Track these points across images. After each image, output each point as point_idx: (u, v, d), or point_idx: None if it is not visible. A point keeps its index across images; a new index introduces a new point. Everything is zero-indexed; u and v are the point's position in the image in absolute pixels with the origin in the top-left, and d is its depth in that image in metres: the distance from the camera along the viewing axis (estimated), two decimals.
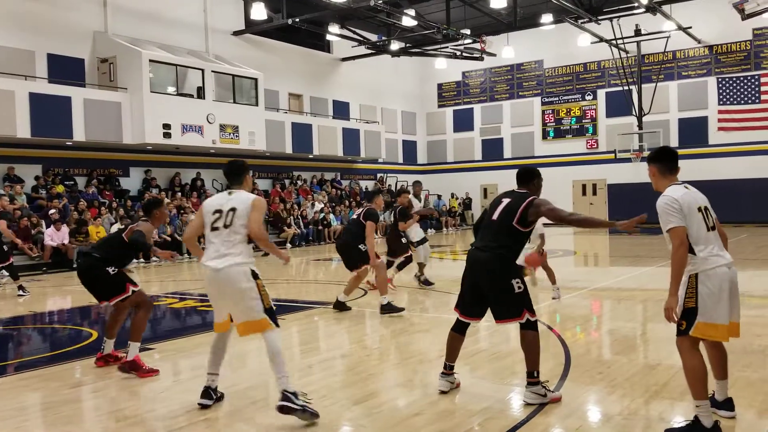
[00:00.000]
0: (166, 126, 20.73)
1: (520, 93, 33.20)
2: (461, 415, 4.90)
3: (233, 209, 5.07)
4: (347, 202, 27.09)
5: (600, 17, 25.71)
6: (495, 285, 5.15)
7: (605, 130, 30.63)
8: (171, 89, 21.45)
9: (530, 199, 5.23)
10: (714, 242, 4.30)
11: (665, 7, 25.05)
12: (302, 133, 26.72)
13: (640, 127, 28.31)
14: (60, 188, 19.38)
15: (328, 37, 28.11)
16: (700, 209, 4.32)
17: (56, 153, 20.16)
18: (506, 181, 32.81)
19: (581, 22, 26.15)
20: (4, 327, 9.28)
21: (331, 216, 25.14)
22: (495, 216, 5.25)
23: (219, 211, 5.12)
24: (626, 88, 28.36)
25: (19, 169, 19.10)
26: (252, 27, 25.80)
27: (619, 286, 11.59)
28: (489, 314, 5.31)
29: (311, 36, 27.92)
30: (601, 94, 31.01)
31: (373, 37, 29.06)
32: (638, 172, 28.90)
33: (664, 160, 4.52)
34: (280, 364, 4.89)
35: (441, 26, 25.60)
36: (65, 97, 19.08)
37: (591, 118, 31.20)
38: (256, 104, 23.90)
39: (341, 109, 30.64)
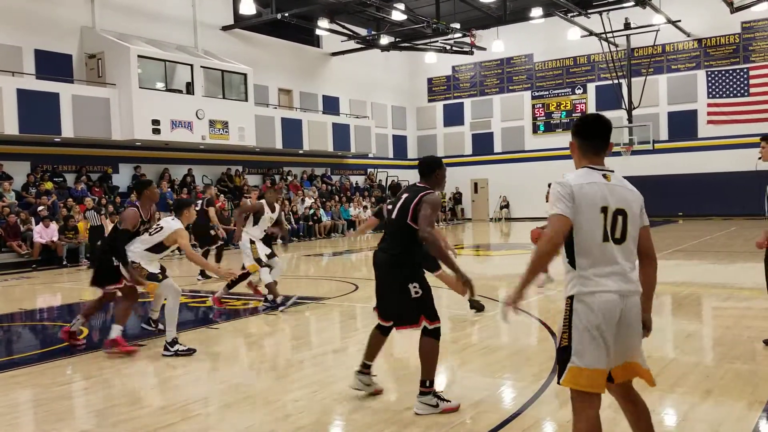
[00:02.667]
0: (155, 122, 20.63)
1: (510, 87, 33.23)
2: None
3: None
4: (337, 198, 27.06)
5: (590, 11, 25.78)
6: (392, 289, 4.93)
7: None
8: (160, 85, 21.34)
9: (421, 195, 4.87)
10: (608, 259, 3.12)
11: (655, 1, 25.13)
12: (292, 129, 26.66)
13: (629, 120, 28.41)
14: (49, 185, 19.26)
15: (318, 31, 28.03)
16: (604, 209, 3.12)
17: (45, 150, 20.03)
18: (497, 175, 32.98)
19: (571, 16, 26.20)
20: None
21: (321, 211, 25.12)
22: (393, 215, 4.94)
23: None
24: (616, 81, 28.44)
25: (7, 167, 18.96)
26: (241, 22, 25.69)
27: None
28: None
29: (300, 31, 27.83)
30: (591, 87, 31.08)
31: (363, 32, 29.01)
32: (628, 166, 28.97)
33: (590, 136, 3.28)
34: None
35: (431, 20, 25.58)
36: (53, 94, 18.96)
37: (581, 112, 31.25)
38: (246, 100, 23.82)
39: (331, 104, 30.58)
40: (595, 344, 3.09)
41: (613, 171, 3.25)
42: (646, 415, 3.42)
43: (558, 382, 3.21)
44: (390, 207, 5.04)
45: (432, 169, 5.11)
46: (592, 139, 3.27)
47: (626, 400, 3.44)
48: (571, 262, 3.17)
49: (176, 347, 6.75)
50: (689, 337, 7.17)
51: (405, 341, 7.44)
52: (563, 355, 3.16)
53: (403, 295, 4.86)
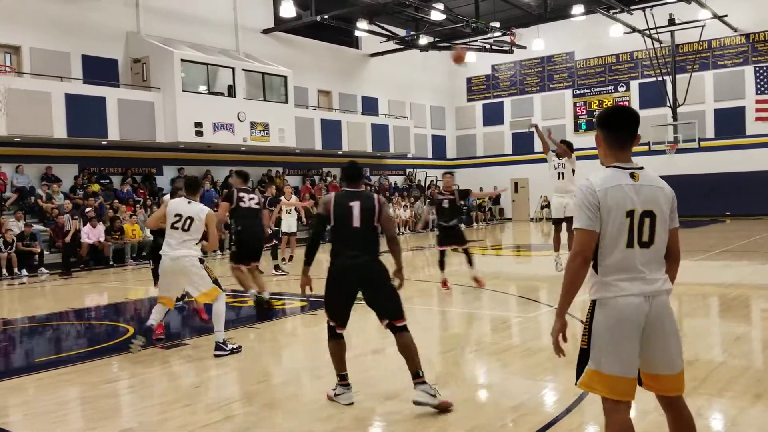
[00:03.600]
0: (198, 124, 20.95)
1: (550, 85, 32.86)
2: (494, 412, 4.87)
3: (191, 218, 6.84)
4: None
5: (632, 7, 25.34)
6: (382, 288, 5.17)
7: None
8: (202, 88, 21.66)
9: (378, 199, 5.26)
10: (632, 263, 3.02)
11: None
12: (331, 130, 26.79)
13: (674, 118, 27.83)
14: (96, 187, 19.71)
15: (357, 33, 28.11)
16: (630, 213, 3.00)
17: (92, 152, 20.49)
18: (537, 175, 32.61)
19: (613, 13, 25.78)
20: (44, 323, 9.47)
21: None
22: (356, 223, 5.13)
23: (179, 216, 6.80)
24: (660, 78, 27.89)
25: (56, 169, 19.47)
26: (281, 25, 25.92)
27: None
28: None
29: (340, 32, 27.95)
30: (634, 85, 30.54)
31: (402, 32, 29.00)
32: (673, 164, 28.43)
33: (616, 129, 3.15)
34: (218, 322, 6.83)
35: (470, 20, 25.44)
36: (100, 98, 19.40)
37: None
38: (286, 101, 24.02)
39: (370, 105, 30.64)
40: (614, 351, 3.00)
41: (642, 168, 3.10)
42: (690, 427, 3.20)
43: (576, 383, 3.18)
44: (339, 215, 5.17)
45: (361, 174, 5.45)
46: (618, 130, 3.13)
47: (668, 409, 3.26)
48: (594, 266, 3.08)
49: (230, 346, 6.82)
50: (738, 340, 6.98)
51: (454, 342, 7.40)
52: (582, 356, 3.12)
53: (393, 291, 5.18)
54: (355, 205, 5.17)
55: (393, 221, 5.39)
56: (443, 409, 4.82)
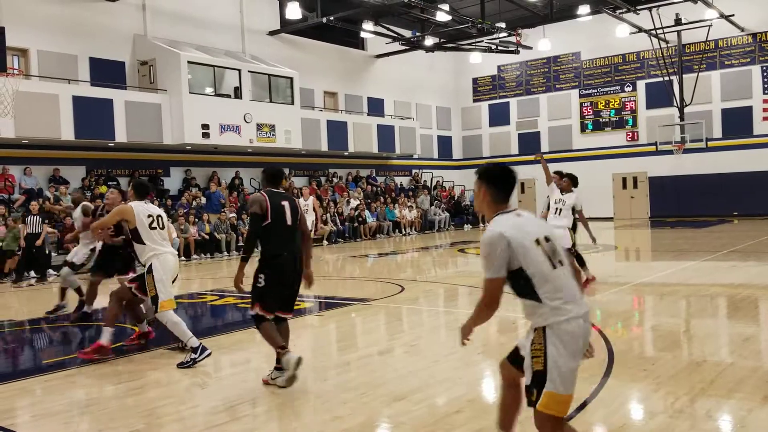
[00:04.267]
0: (205, 126, 21.00)
1: (557, 86, 32.79)
2: None
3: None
4: (382, 199, 27.11)
5: (639, 7, 25.25)
6: (299, 285, 5.72)
7: (645, 122, 30.07)
8: (209, 90, 21.71)
9: (298, 200, 6.06)
10: (565, 283, 3.28)
11: None
12: (337, 131, 26.81)
13: (681, 118, 27.72)
14: (103, 189, 19.74)
15: (363, 34, 28.11)
16: (538, 241, 3.30)
17: (99, 154, 20.56)
18: (543, 175, 32.50)
19: (619, 13, 25.71)
20: (51, 325, 9.50)
21: (367, 213, 25.18)
22: (290, 222, 5.62)
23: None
24: (667, 78, 27.80)
25: (64, 171, 19.55)
26: (287, 26, 25.96)
27: (662, 281, 11.37)
28: None
29: (346, 34, 27.97)
30: (641, 85, 30.44)
31: (408, 33, 28.99)
32: (680, 165, 28.36)
33: (502, 184, 3.56)
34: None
35: (475, 20, 25.41)
36: (107, 100, 19.46)
37: (631, 110, 30.68)
38: (292, 103, 24.05)
39: (376, 106, 30.65)
40: (571, 370, 3.24)
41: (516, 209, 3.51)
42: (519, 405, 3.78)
43: (530, 405, 3.32)
44: (276, 213, 5.57)
45: (283, 176, 6.00)
46: (507, 190, 3.56)
47: (516, 389, 3.77)
48: (535, 296, 3.27)
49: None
50: (747, 340, 6.94)
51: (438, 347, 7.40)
52: (538, 379, 3.25)
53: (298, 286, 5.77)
54: (286, 205, 5.64)
55: (306, 223, 5.96)
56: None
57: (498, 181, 3.57)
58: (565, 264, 3.34)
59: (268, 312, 5.56)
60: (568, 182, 10.60)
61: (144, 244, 6.66)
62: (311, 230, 15.01)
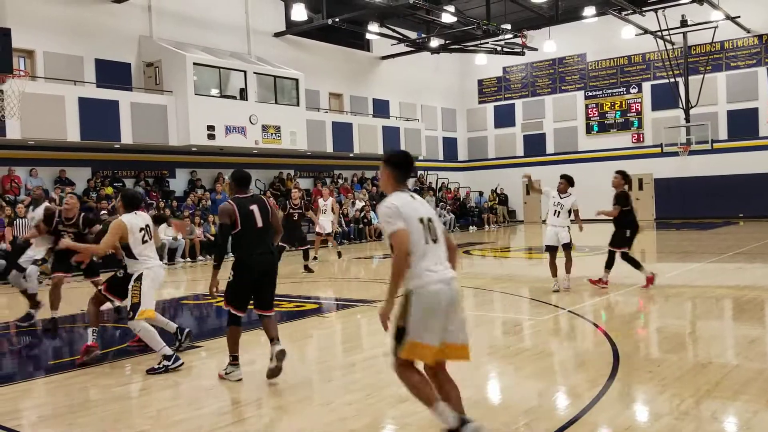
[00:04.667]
0: (210, 127, 21.03)
1: (562, 87, 32.75)
2: (507, 415, 4.86)
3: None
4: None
5: (644, 8, 25.22)
6: (273, 283, 6.09)
7: (651, 124, 30.02)
8: (214, 91, 21.75)
9: (267, 199, 6.34)
10: (431, 256, 3.96)
11: None
12: (343, 132, 26.83)
13: (687, 120, 27.65)
14: (109, 190, 19.82)
15: (368, 36, 28.12)
16: (421, 220, 3.99)
17: (105, 156, 20.61)
18: (549, 176, 32.40)
19: (625, 14, 25.67)
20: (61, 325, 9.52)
21: (372, 214, 25.18)
22: (260, 224, 5.93)
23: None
24: (672, 80, 27.74)
25: (69, 173, 19.59)
26: (292, 28, 25.99)
27: (667, 283, 11.35)
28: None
29: (351, 35, 27.99)
30: (647, 86, 30.38)
31: (413, 35, 28.99)
32: (686, 166, 28.28)
33: (403, 168, 4.23)
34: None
35: (481, 22, 25.40)
36: (113, 101, 19.51)
37: (636, 112, 30.61)
38: (297, 104, 24.08)
39: (381, 108, 30.66)
40: (430, 325, 3.89)
41: (413, 191, 4.21)
42: (455, 388, 4.19)
43: (396, 354, 4.01)
44: (245, 219, 5.88)
45: (250, 180, 6.27)
46: (406, 170, 4.23)
47: (435, 378, 4.15)
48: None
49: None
50: (753, 342, 6.93)
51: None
52: (399, 333, 3.96)
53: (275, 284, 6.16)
54: (255, 208, 5.93)
55: (279, 219, 6.37)
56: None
57: (399, 165, 4.25)
58: (438, 242, 4.04)
59: (239, 310, 5.95)
60: (565, 184, 10.87)
61: (136, 258, 6.66)
62: (331, 231, 15.29)
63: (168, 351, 6.52)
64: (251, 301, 6.08)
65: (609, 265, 10.82)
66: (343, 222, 24.03)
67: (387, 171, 4.24)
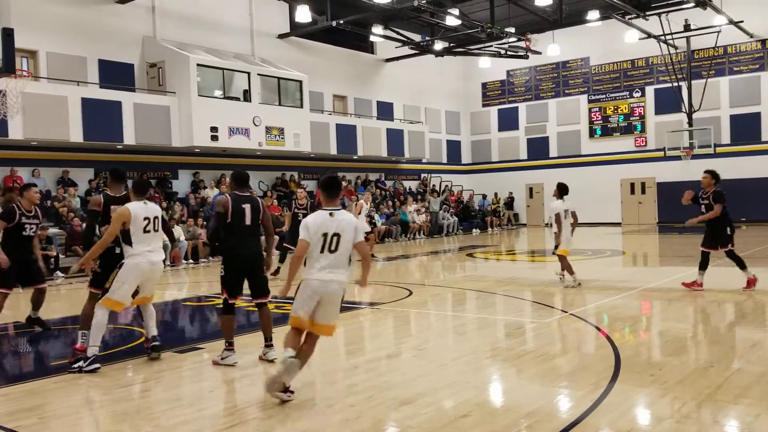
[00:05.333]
0: (214, 129, 21.06)
1: (566, 91, 32.76)
2: (510, 417, 4.86)
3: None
4: (391, 203, 27.12)
5: (648, 13, 25.21)
6: (261, 272, 6.72)
7: (654, 128, 30.00)
8: (218, 92, 21.79)
9: (261, 201, 6.81)
10: (323, 262, 5.37)
11: (716, 1, 24.42)
12: (346, 134, 26.85)
13: (690, 124, 27.65)
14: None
15: (372, 38, 28.17)
16: (325, 234, 5.35)
17: (107, 156, 20.64)
18: (553, 180, 32.44)
19: (628, 18, 25.69)
20: (59, 327, 9.54)
21: (376, 216, 25.18)
22: (249, 222, 6.53)
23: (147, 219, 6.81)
24: (675, 84, 27.74)
25: (72, 173, 19.63)
26: (297, 30, 26.03)
27: (669, 287, 11.34)
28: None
29: (355, 37, 28.03)
30: (650, 90, 30.38)
31: (417, 38, 29.03)
32: (688, 170, 28.17)
33: (329, 190, 5.56)
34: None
35: (485, 25, 25.42)
36: (116, 102, 19.55)
37: (639, 116, 30.60)
38: (301, 106, 24.10)
39: (385, 110, 30.68)
40: (305, 304, 5.38)
41: (339, 209, 5.50)
42: (306, 355, 5.58)
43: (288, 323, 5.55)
44: (236, 214, 6.47)
45: (248, 181, 6.90)
46: (332, 191, 5.57)
47: (307, 341, 5.58)
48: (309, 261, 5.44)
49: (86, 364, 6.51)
50: (754, 346, 6.92)
51: (468, 346, 7.39)
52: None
53: (265, 276, 6.82)
54: (247, 207, 6.53)
55: (271, 220, 6.94)
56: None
57: (326, 188, 5.58)
58: (337, 252, 5.40)
59: (233, 297, 6.56)
60: (556, 191, 11.49)
61: (131, 246, 6.63)
62: (370, 231, 15.71)
63: (95, 352, 6.48)
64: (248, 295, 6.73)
65: (703, 266, 10.65)
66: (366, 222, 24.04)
67: (318, 191, 5.59)
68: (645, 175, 30.28)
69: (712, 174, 10.86)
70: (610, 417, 4.77)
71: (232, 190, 6.68)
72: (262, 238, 7.04)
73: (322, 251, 5.36)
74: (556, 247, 11.42)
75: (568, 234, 11.49)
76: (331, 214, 5.40)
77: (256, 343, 7.71)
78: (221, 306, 6.75)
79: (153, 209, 6.87)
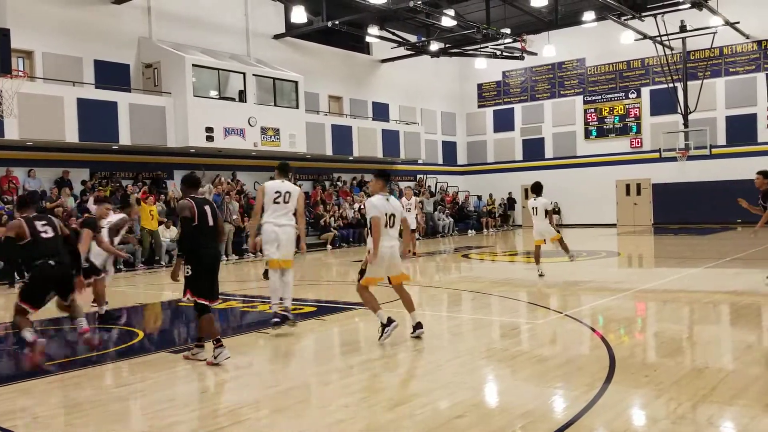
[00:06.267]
0: (209, 129, 21.03)
1: (561, 92, 32.81)
2: (504, 418, 4.86)
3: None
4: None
5: (644, 14, 25.27)
6: (217, 274, 6.92)
7: (650, 129, 30.06)
8: (213, 93, 21.75)
9: (213, 203, 7.15)
10: (387, 233, 7.28)
11: (712, 2, 24.47)
12: (342, 135, 26.84)
13: (685, 125, 27.71)
14: (107, 191, 19.78)
15: (368, 38, 28.17)
16: (386, 214, 7.26)
17: (103, 157, 20.61)
18: (548, 181, 32.41)
19: (624, 19, 25.74)
20: (53, 327, 9.51)
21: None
22: (211, 223, 6.80)
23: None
24: (671, 85, 27.81)
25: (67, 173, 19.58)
26: (292, 30, 26.01)
27: (664, 288, 11.36)
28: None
29: (351, 38, 28.03)
30: (645, 92, 30.44)
31: (413, 38, 29.03)
32: (684, 172, 28.33)
33: (386, 179, 7.58)
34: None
35: (481, 26, 25.45)
36: (111, 102, 19.50)
37: (635, 117, 30.67)
38: (297, 107, 24.08)
39: (381, 111, 30.67)
40: (379, 268, 7.29)
41: (390, 194, 7.36)
42: (410, 301, 7.66)
43: (359, 281, 7.43)
44: (201, 216, 6.70)
45: (199, 184, 7.27)
46: (385, 181, 7.55)
47: (397, 292, 7.56)
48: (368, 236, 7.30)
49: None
50: (750, 347, 6.93)
51: (463, 347, 7.39)
52: (361, 272, 7.39)
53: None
54: (207, 209, 6.79)
55: (223, 222, 7.45)
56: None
57: (384, 177, 7.62)
58: (394, 227, 7.36)
59: (199, 297, 6.63)
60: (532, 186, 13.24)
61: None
62: (414, 228, 16.29)
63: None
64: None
65: None
66: (341, 224, 24.03)
67: (373, 182, 7.68)
68: (640, 176, 30.35)
69: (765, 174, 11.13)
70: (604, 418, 4.77)
71: (185, 193, 6.93)
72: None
73: (384, 227, 7.13)
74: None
75: (538, 226, 13.04)
76: (387, 199, 7.29)
77: (251, 343, 7.70)
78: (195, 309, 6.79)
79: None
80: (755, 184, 11.09)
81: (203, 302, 6.64)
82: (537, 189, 13.08)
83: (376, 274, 7.26)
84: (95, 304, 9.49)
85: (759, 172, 11.25)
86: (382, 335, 7.27)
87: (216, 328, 6.82)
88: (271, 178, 8.50)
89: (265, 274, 13.73)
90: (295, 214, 8.32)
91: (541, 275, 12.81)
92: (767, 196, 11.01)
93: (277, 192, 8.14)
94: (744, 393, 5.20)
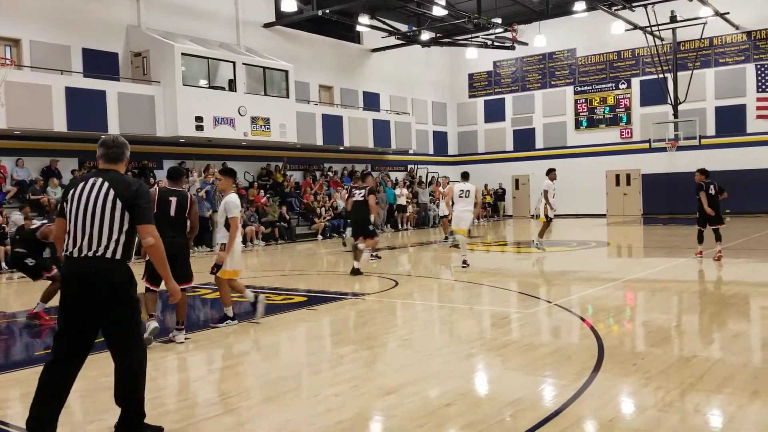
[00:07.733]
0: (199, 119, 20.93)
1: (552, 82, 32.84)
2: (493, 406, 4.89)
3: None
4: (382, 187, 27.11)
5: (634, 4, 25.31)
6: (185, 260, 7.31)
7: (640, 119, 30.15)
8: (203, 82, 21.64)
9: (190, 196, 7.38)
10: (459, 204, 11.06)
11: None
12: (333, 125, 26.78)
13: (675, 115, 27.82)
14: None
15: (359, 28, 28.07)
16: (461, 190, 10.93)
17: (92, 146, 20.26)
18: (538, 171, 32.58)
19: (615, 9, 25.76)
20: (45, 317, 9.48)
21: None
22: (173, 214, 7.14)
23: None
24: (661, 76, 27.88)
25: (56, 163, 19.45)
26: (282, 19, 25.88)
27: (653, 278, 11.43)
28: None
29: (341, 27, 27.91)
30: (636, 82, 30.51)
31: (404, 28, 28.96)
32: (674, 162, 28.44)
33: (464, 175, 10.32)
34: None
35: (472, 15, 25.41)
36: (100, 91, 19.37)
37: (625, 107, 30.74)
38: (287, 96, 24.00)
39: (371, 101, 30.62)
40: (459, 223, 13.11)
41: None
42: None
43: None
44: (161, 205, 7.03)
45: (181, 175, 7.63)
46: (462, 175, 12.83)
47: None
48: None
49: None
50: (736, 337, 7.00)
51: (452, 336, 7.41)
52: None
53: (189, 263, 7.43)
54: (173, 200, 7.15)
55: (197, 216, 7.60)
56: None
57: (463, 174, 12.69)
58: (468, 198, 12.68)
59: (150, 283, 7.10)
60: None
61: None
62: (474, 216, 16.35)
63: None
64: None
65: None
66: (332, 215, 24.00)
67: (445, 180, 10.59)
68: (630, 166, 30.46)
69: (701, 171, 12.02)
70: (593, 406, 4.81)
71: (165, 184, 7.39)
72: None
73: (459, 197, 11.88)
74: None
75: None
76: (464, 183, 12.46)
77: (242, 332, 7.70)
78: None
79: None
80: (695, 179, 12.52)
81: (147, 285, 7.08)
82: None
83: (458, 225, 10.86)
84: None
85: (698, 170, 12.76)
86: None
87: (151, 307, 7.10)
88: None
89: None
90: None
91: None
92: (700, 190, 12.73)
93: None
94: (731, 381, 5.25)
